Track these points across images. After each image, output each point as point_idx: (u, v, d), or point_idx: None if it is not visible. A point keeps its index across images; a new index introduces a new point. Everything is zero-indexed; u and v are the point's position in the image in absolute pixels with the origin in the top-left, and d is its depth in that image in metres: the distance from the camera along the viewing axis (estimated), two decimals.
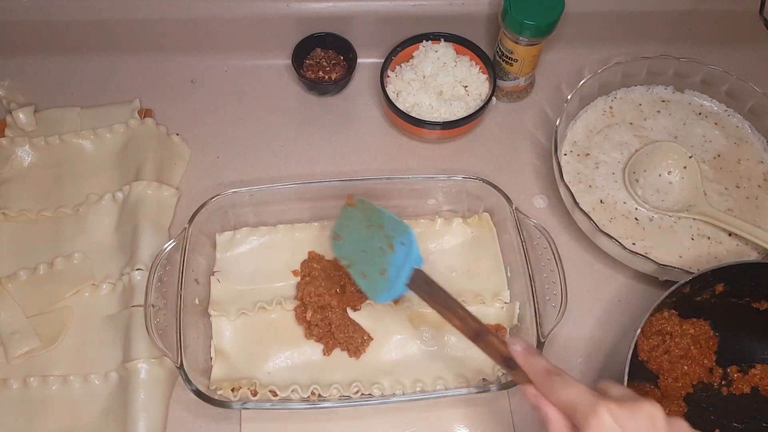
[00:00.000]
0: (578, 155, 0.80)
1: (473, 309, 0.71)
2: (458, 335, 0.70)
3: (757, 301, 0.67)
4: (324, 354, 0.70)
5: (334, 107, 0.88)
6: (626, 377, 0.58)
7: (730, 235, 0.74)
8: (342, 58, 0.88)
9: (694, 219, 0.75)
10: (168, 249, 0.69)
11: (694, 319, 0.68)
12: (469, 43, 0.84)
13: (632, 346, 0.60)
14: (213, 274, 0.73)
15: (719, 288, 0.66)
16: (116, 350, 0.70)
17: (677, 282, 0.63)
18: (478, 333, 0.56)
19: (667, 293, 0.62)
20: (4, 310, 0.71)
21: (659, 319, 0.67)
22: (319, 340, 0.70)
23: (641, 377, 0.66)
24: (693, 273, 0.64)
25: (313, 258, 0.74)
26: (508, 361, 0.53)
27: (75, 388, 0.68)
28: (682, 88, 0.84)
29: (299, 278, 0.73)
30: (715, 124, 0.82)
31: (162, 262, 0.68)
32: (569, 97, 0.77)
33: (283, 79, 0.90)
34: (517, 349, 0.52)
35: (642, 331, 0.64)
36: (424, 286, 0.61)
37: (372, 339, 0.70)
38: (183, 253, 0.68)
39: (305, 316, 0.70)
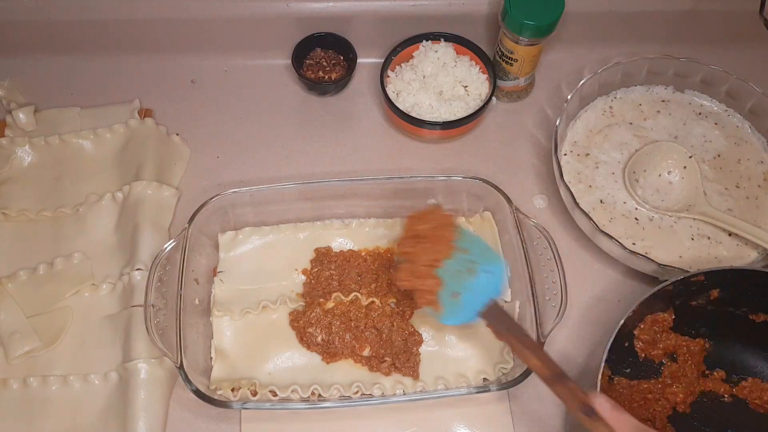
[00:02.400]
0: (578, 155, 0.80)
1: None
2: (458, 335, 0.70)
3: (754, 312, 0.67)
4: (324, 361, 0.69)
5: (334, 107, 0.88)
6: (603, 366, 0.58)
7: (730, 235, 0.74)
8: (342, 58, 0.88)
9: (694, 219, 0.75)
10: (168, 249, 0.69)
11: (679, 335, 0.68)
12: (469, 43, 0.84)
13: (610, 342, 0.59)
14: (216, 274, 0.73)
15: (714, 293, 0.65)
16: (116, 350, 0.70)
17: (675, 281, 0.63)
18: (558, 376, 0.55)
19: (651, 292, 0.61)
20: (4, 310, 0.71)
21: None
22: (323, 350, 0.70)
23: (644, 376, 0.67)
24: (688, 272, 0.63)
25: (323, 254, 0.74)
26: (585, 409, 0.52)
27: (75, 388, 0.68)
28: (682, 88, 0.84)
29: (306, 277, 0.74)
30: (715, 124, 0.82)
31: (162, 262, 0.68)
32: (569, 97, 0.77)
33: (283, 79, 0.90)
34: (604, 404, 0.51)
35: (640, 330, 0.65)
36: (499, 319, 0.60)
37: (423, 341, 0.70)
38: (183, 253, 0.68)
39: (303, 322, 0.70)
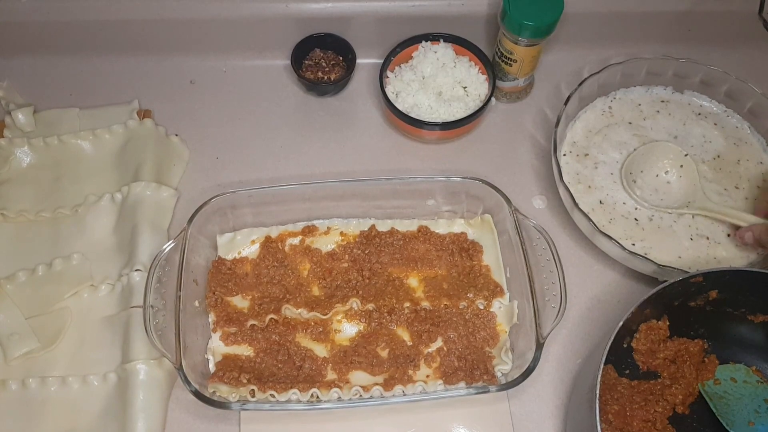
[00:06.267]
0: (577, 156, 0.80)
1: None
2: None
3: (752, 313, 0.67)
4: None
5: (333, 108, 0.88)
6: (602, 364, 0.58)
7: (728, 235, 0.74)
8: (341, 58, 0.88)
9: (693, 217, 0.75)
10: (167, 250, 0.69)
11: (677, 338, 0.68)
12: (468, 44, 0.84)
13: (608, 344, 0.59)
14: None
15: (713, 294, 0.65)
16: (115, 351, 0.70)
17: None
18: None
19: (650, 293, 0.61)
20: (2, 311, 0.71)
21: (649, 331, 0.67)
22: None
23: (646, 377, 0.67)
24: (687, 273, 0.63)
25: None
26: None
27: (74, 389, 0.68)
28: (682, 89, 0.84)
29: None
30: (715, 124, 0.82)
31: (161, 263, 0.68)
32: (569, 97, 0.77)
33: (282, 80, 0.90)
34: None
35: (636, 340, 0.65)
36: None
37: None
38: (182, 253, 0.68)
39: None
